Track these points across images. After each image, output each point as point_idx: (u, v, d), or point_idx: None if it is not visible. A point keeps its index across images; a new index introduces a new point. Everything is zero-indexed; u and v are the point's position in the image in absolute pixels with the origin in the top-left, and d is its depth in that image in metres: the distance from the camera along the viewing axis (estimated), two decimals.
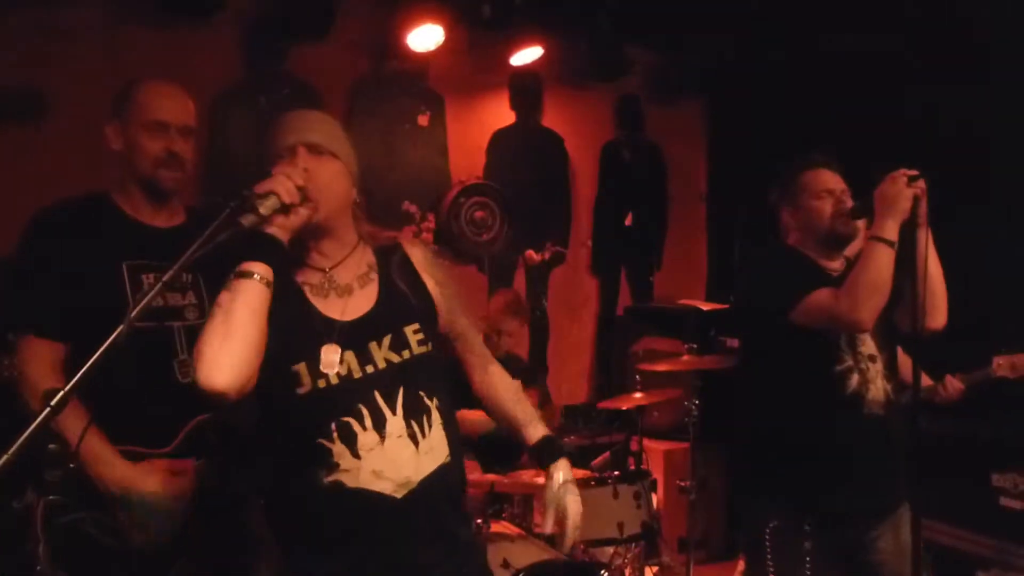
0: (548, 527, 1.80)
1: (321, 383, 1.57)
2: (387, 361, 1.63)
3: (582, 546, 3.15)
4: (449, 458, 1.66)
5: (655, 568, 3.74)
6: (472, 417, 3.41)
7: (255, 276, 1.46)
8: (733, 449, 2.58)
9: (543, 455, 1.85)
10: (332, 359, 1.58)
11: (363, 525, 1.56)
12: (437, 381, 1.70)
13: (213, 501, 1.98)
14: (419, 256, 1.81)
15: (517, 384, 1.94)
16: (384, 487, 1.56)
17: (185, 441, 1.95)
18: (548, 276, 4.94)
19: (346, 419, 1.56)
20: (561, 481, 1.81)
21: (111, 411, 1.80)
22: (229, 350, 1.43)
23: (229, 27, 3.87)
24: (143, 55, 3.65)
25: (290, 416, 1.58)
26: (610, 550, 3.33)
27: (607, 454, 4.12)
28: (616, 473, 3.40)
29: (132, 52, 3.64)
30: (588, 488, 3.24)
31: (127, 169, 2.02)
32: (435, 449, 1.63)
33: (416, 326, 1.68)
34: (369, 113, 4.29)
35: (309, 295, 1.64)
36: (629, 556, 3.44)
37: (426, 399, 1.65)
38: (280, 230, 1.52)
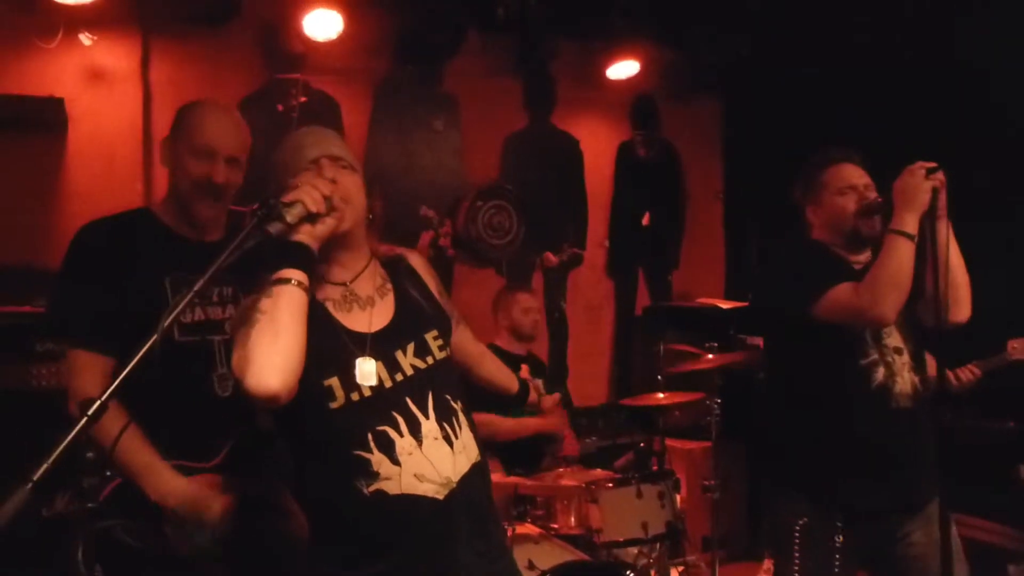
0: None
1: (355, 396, 1.59)
2: (414, 368, 1.66)
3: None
4: (480, 457, 1.70)
5: (680, 568, 3.73)
6: (502, 425, 3.44)
7: (293, 281, 1.49)
8: (757, 447, 2.56)
9: (524, 391, 2.23)
10: (369, 371, 1.61)
11: (408, 529, 1.58)
12: (457, 385, 1.75)
13: (254, 511, 1.99)
14: (421, 266, 1.88)
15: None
16: (427, 489, 1.58)
17: (228, 454, 1.96)
18: (566, 278, 4.95)
19: (382, 428, 1.58)
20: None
21: (154, 426, 1.83)
22: (279, 352, 1.45)
23: (248, 36, 3.90)
24: (165, 66, 3.69)
25: (324, 431, 1.59)
26: (634, 550, 3.33)
27: (630, 454, 4.12)
28: (639, 473, 3.40)
29: (154, 63, 3.69)
30: (612, 489, 3.24)
31: (171, 187, 2.04)
32: (468, 448, 1.67)
33: (435, 332, 1.73)
34: (386, 119, 4.31)
35: (332, 310, 1.66)
36: (654, 556, 3.43)
37: (452, 402, 1.69)
38: (308, 238, 1.54)
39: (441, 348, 1.72)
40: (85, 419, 1.19)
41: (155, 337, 1.32)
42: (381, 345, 1.65)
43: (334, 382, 1.58)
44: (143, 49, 3.72)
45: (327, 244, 1.62)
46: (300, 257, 1.52)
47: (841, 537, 2.24)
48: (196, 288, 1.40)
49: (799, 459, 2.38)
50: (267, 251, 1.51)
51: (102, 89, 3.64)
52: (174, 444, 1.88)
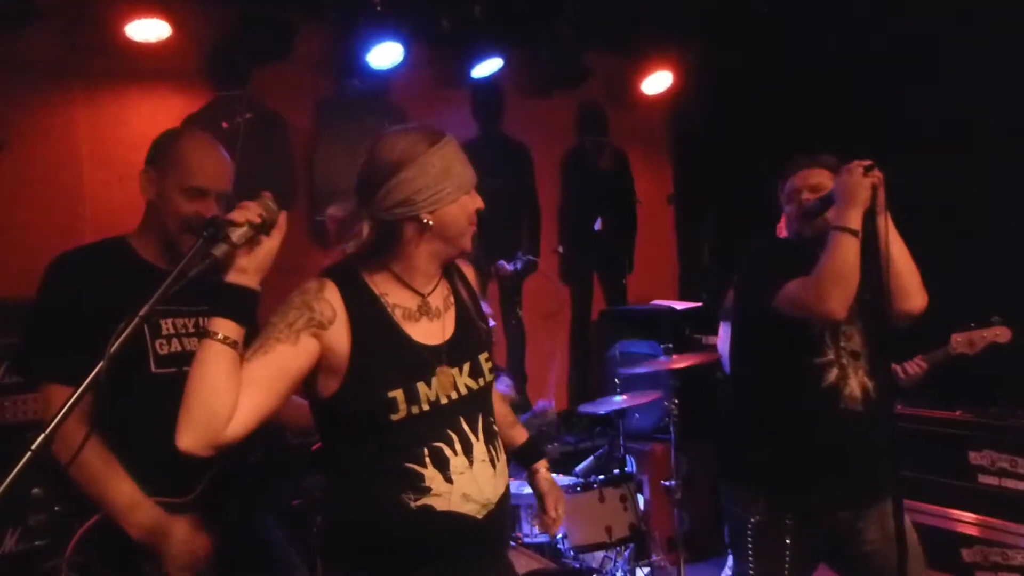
0: (552, 517, 1.99)
1: (415, 409, 1.58)
2: (468, 388, 1.67)
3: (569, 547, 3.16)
4: (509, 479, 1.75)
5: (646, 569, 3.76)
6: None
7: (218, 336, 1.46)
8: (718, 444, 2.60)
9: (530, 454, 2.07)
10: (447, 382, 1.63)
11: (449, 546, 1.60)
12: (495, 409, 1.78)
13: (239, 544, 1.96)
14: (471, 276, 1.88)
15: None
16: (471, 509, 1.61)
17: (207, 487, 1.93)
18: (521, 285, 4.95)
19: (437, 444, 1.59)
20: (549, 476, 2.06)
21: (132, 459, 1.81)
22: (187, 411, 1.43)
23: (190, 53, 3.84)
24: (104, 84, 3.62)
25: (380, 441, 1.59)
26: (600, 554, 3.34)
27: (591, 459, 4.14)
28: (601, 477, 3.42)
29: (92, 82, 3.61)
30: (574, 494, 3.25)
31: (153, 218, 1.99)
32: (503, 473, 1.71)
33: (486, 354, 1.75)
34: (334, 133, 4.28)
35: (400, 319, 1.65)
36: (619, 559, 3.45)
37: (493, 425, 1.72)
38: (245, 276, 1.51)
39: (491, 371, 1.75)
40: (29, 453, 1.16)
41: (101, 364, 1.29)
42: (445, 360, 1.66)
43: (398, 394, 1.57)
44: (88, 68, 3.65)
45: (428, 253, 1.65)
46: (230, 304, 1.49)
47: (791, 536, 2.27)
48: (141, 313, 1.38)
49: (750, 457, 2.41)
50: (212, 284, 1.49)
51: (40, 112, 3.56)
52: (152, 478, 1.84)
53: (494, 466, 1.66)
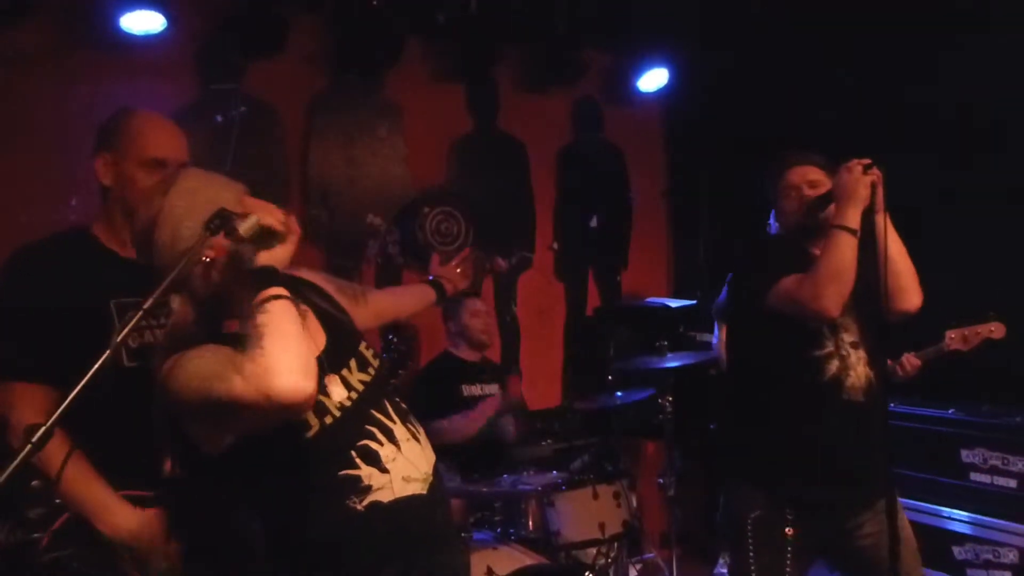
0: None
1: (328, 420, 1.60)
2: (362, 383, 1.70)
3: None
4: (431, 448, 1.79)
5: (639, 566, 3.76)
6: (451, 426, 3.44)
7: (283, 296, 1.49)
8: (717, 439, 2.61)
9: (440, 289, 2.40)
10: (339, 389, 1.65)
11: (406, 531, 1.63)
12: (392, 388, 1.81)
13: (216, 540, 1.95)
14: (313, 275, 1.89)
15: None
16: (414, 488, 1.64)
17: (180, 481, 1.90)
18: (516, 282, 4.95)
19: (362, 443, 1.62)
20: None
21: (103, 455, 1.78)
22: (302, 356, 1.45)
23: (182, 46, 3.81)
24: (95, 79, 3.59)
25: (304, 462, 1.59)
26: (593, 551, 3.34)
27: (585, 456, 4.14)
28: (594, 474, 3.41)
29: (84, 76, 3.58)
30: (568, 490, 3.24)
31: (117, 203, 1.96)
32: (428, 442, 1.75)
33: (364, 343, 1.78)
34: (328, 128, 4.26)
35: None
36: (612, 556, 3.44)
37: (401, 403, 1.75)
38: (272, 261, 1.53)
39: (375, 356, 1.76)
40: (30, 445, 1.15)
41: (105, 355, 1.27)
42: (331, 367, 1.66)
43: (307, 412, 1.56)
44: (79, 63, 3.62)
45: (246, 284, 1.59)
46: (275, 276, 1.51)
47: (791, 529, 2.27)
48: (146, 306, 1.36)
49: (750, 451, 2.42)
50: (235, 280, 1.50)
51: (32, 105, 3.53)
52: (124, 473, 1.83)
53: (418, 440, 1.71)
